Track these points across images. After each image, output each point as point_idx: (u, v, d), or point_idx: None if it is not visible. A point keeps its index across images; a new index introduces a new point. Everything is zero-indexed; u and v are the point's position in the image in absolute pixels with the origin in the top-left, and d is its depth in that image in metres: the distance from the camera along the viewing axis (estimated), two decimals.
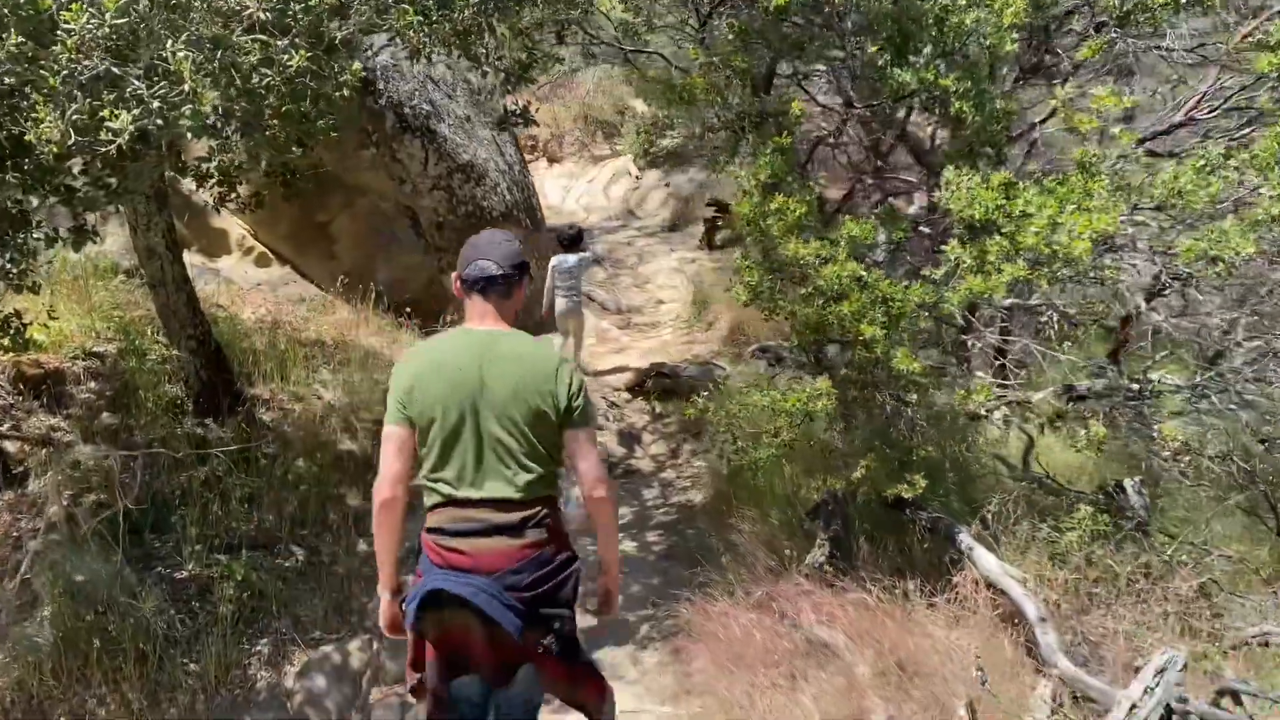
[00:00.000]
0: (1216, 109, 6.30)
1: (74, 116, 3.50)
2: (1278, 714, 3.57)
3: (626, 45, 7.14)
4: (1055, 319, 6.65)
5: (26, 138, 3.60)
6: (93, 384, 6.28)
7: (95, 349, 6.51)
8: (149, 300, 6.45)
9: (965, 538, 4.39)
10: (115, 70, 3.61)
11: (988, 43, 4.21)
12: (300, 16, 4.09)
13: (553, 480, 2.92)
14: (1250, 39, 6.23)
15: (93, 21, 3.45)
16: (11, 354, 5.66)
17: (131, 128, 3.48)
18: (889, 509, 4.81)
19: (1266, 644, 4.05)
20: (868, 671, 3.89)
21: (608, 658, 4.95)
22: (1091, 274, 4.29)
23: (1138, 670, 3.78)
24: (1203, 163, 4.18)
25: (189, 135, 3.78)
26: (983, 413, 5.25)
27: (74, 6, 3.43)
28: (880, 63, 4.38)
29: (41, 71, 3.55)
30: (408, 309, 9.09)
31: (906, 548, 4.67)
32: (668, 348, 9.80)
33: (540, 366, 2.85)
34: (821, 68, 6.12)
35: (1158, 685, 3.41)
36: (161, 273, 5.96)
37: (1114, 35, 4.60)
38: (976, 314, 4.80)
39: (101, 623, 4.82)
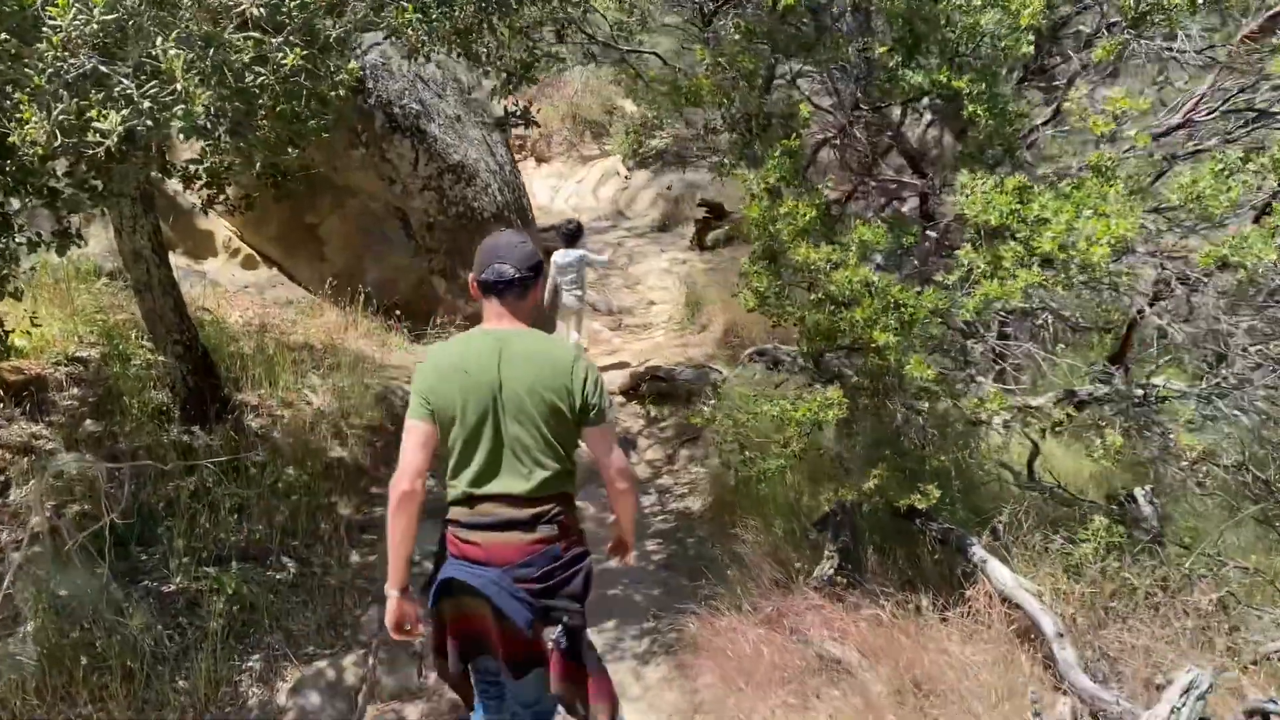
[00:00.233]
0: (1215, 111, 6.23)
1: (60, 117, 3.35)
2: None
3: (623, 45, 7.02)
4: (1051, 323, 6.59)
5: (10, 139, 3.45)
6: (76, 390, 6.12)
7: (78, 354, 6.35)
8: (133, 304, 6.30)
9: (978, 550, 4.29)
10: (103, 68, 3.46)
11: (1003, 44, 4.11)
12: (294, 13, 3.95)
13: (568, 477, 3.01)
14: (1251, 39, 6.16)
15: (80, 17, 3.30)
16: None
17: (120, 128, 3.34)
18: (897, 519, 4.70)
19: None
20: (883, 690, 3.79)
21: (609, 672, 4.83)
22: (1107, 279, 4.19)
23: (1159, 688, 3.70)
24: (1221, 166, 4.09)
25: (180, 136, 3.64)
26: (983, 418, 5.16)
27: (60, 2, 3.29)
28: (891, 64, 4.27)
29: (26, 69, 3.41)
30: (398, 311, 8.96)
31: (916, 560, 4.57)
32: (661, 350, 9.69)
33: (557, 365, 2.94)
34: (813, 69, 6.04)
35: (1184, 705, 3.31)
36: (147, 276, 5.80)
37: (1127, 36, 4.49)
38: (980, 318, 4.69)
39: (87, 638, 4.66)
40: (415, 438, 2.93)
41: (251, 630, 5.01)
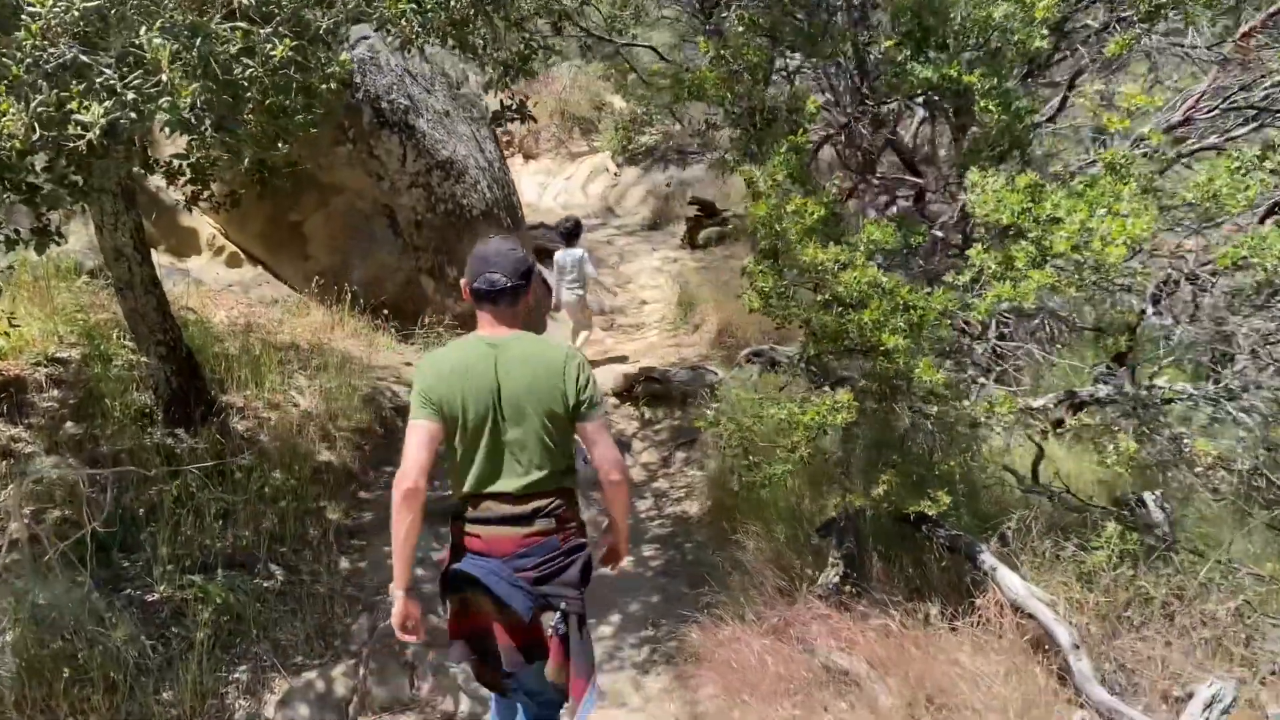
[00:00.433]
0: (1215, 109, 6.15)
1: (39, 109, 3.20)
2: None
3: (617, 39, 6.89)
4: (1048, 323, 6.49)
5: None
6: (55, 392, 5.95)
7: (58, 354, 6.19)
8: (115, 303, 6.13)
9: (988, 557, 4.17)
10: (84, 58, 3.32)
11: (1015, 38, 4.00)
12: (283, 3, 3.82)
13: (567, 472, 3.16)
14: (1253, 36, 6.08)
15: (60, 5, 3.16)
16: None
17: (102, 121, 3.20)
18: (902, 525, 4.59)
19: None
20: (894, 703, 3.67)
21: (607, 682, 4.71)
22: (1122, 280, 4.09)
23: (1178, 700, 3.60)
24: (1237, 164, 3.99)
25: (165, 130, 3.49)
26: (984, 420, 5.06)
27: None
28: (899, 58, 4.15)
29: (3, 59, 3.25)
30: (385, 311, 8.80)
31: (923, 567, 4.45)
32: (654, 350, 9.56)
33: (550, 366, 3.07)
34: (812, 65, 5.92)
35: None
36: (129, 275, 5.64)
37: (1139, 31, 4.39)
38: (989, 320, 4.59)
39: (68, 649, 4.49)
40: (419, 436, 3.01)
41: (238, 640, 4.85)
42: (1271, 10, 6.24)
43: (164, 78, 3.30)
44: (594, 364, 8.64)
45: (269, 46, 3.70)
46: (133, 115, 3.37)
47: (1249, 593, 4.10)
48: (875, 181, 5.37)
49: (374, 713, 4.67)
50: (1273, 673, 3.81)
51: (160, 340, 5.86)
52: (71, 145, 3.34)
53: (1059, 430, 5.54)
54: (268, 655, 4.80)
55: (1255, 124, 5.83)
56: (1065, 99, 5.61)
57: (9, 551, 4.86)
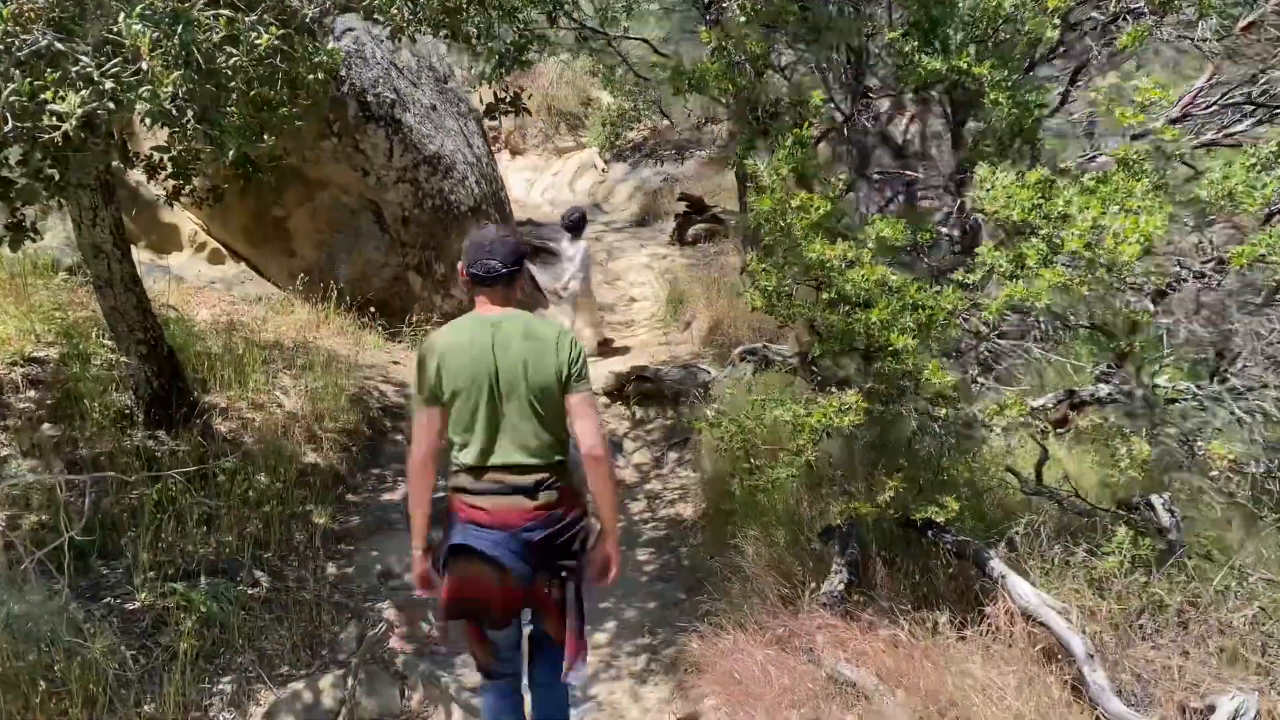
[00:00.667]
0: (1214, 104, 6.07)
1: (11, 99, 3.04)
2: None
3: (610, 31, 6.74)
4: (1043, 321, 6.39)
5: None
6: (32, 393, 5.78)
7: (35, 354, 6.01)
8: (94, 300, 5.96)
9: (997, 564, 4.05)
10: (60, 45, 3.16)
11: (1026, 28, 3.88)
12: None
13: (563, 445, 3.29)
14: (1253, 30, 6.00)
15: None
16: None
17: (79, 112, 3.04)
18: (907, 530, 4.47)
19: None
20: (904, 716, 3.55)
21: (604, 692, 4.58)
22: (1134, 279, 3.98)
23: (1196, 712, 3.50)
24: (1253, 161, 3.88)
25: (145, 122, 3.33)
26: (982, 419, 4.95)
27: None
28: (906, 49, 4.03)
29: None
30: (372, 308, 8.64)
31: (929, 573, 4.34)
32: (645, 348, 9.43)
33: (544, 342, 3.23)
34: (811, 56, 5.80)
35: None
36: (109, 272, 5.47)
37: (1150, 22, 4.28)
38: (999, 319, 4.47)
39: (45, 660, 4.33)
40: (424, 420, 3.26)
41: (222, 650, 4.68)
42: (1274, 3, 6.15)
43: (144, 66, 3.15)
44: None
45: (254, 35, 3.56)
46: (111, 106, 3.22)
47: (1263, 599, 3.99)
48: (875, 177, 5.24)
49: None
50: None
51: (141, 339, 5.70)
52: (47, 137, 3.17)
53: (1059, 431, 5.44)
54: (253, 666, 4.64)
55: (1254, 119, 5.76)
56: (1066, 93, 5.52)
57: None
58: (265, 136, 4.10)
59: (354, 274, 8.82)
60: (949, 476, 4.16)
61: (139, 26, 3.15)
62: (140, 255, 7.72)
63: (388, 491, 6.48)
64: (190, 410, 5.91)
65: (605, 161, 15.95)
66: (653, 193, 14.59)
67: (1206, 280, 4.98)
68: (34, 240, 4.62)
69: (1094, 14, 5.07)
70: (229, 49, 3.54)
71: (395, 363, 8.29)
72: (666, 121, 14.00)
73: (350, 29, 8.17)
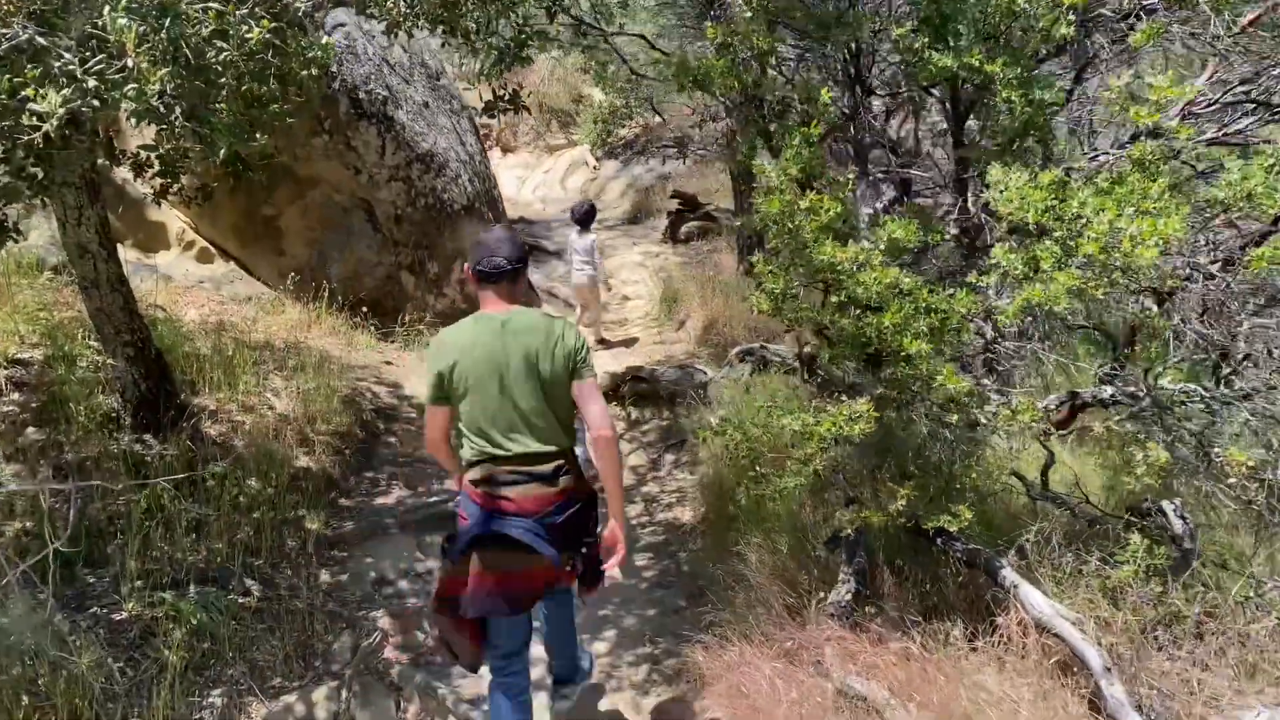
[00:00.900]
0: (1215, 102, 5.99)
1: None
2: None
3: (606, 27, 6.62)
4: (1042, 321, 6.29)
5: None
6: (16, 395, 5.63)
7: (19, 355, 5.87)
8: (79, 300, 5.81)
9: (1009, 573, 3.95)
10: (41, 40, 3.03)
11: (1040, 25, 3.78)
12: None
13: (571, 432, 3.53)
14: (1257, 24, 5.91)
15: None
16: None
17: (62, 110, 2.91)
18: (916, 538, 4.36)
19: None
20: None
21: (605, 703, 4.47)
22: (1153, 281, 3.88)
23: None
24: (1272, 162, 3.79)
25: (132, 120, 3.20)
26: (984, 422, 4.85)
27: None
28: (916, 45, 3.92)
29: None
30: (364, 308, 8.51)
31: (939, 582, 4.23)
32: (641, 347, 9.32)
33: (549, 335, 3.41)
34: (806, 54, 5.70)
35: None
36: (95, 272, 5.33)
37: (1165, 19, 4.18)
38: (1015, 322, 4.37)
39: (28, 675, 4.20)
40: (437, 417, 3.50)
41: (212, 662, 4.55)
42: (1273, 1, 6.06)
43: (130, 62, 3.02)
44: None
45: (245, 29, 3.43)
46: (96, 104, 3.08)
47: None
48: (880, 175, 5.14)
49: None
50: None
51: (128, 341, 5.56)
52: (28, 136, 3.04)
53: (1062, 433, 5.35)
54: (244, 678, 4.51)
55: (1255, 118, 5.67)
56: (1071, 91, 5.42)
57: None
58: (257, 135, 3.97)
59: (346, 273, 8.69)
60: (961, 485, 4.05)
61: (124, 20, 3.02)
62: (127, 254, 7.59)
63: (381, 495, 6.35)
64: (179, 413, 5.78)
65: (597, 159, 15.84)
66: (645, 190, 14.49)
67: (1215, 280, 4.91)
68: (16, 240, 4.48)
69: (1103, 10, 4.99)
70: (219, 43, 3.41)
71: (388, 363, 8.16)
72: (658, 119, 13.87)
73: (341, 24, 8.03)
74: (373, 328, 8.54)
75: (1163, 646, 3.81)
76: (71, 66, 3.06)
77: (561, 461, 3.44)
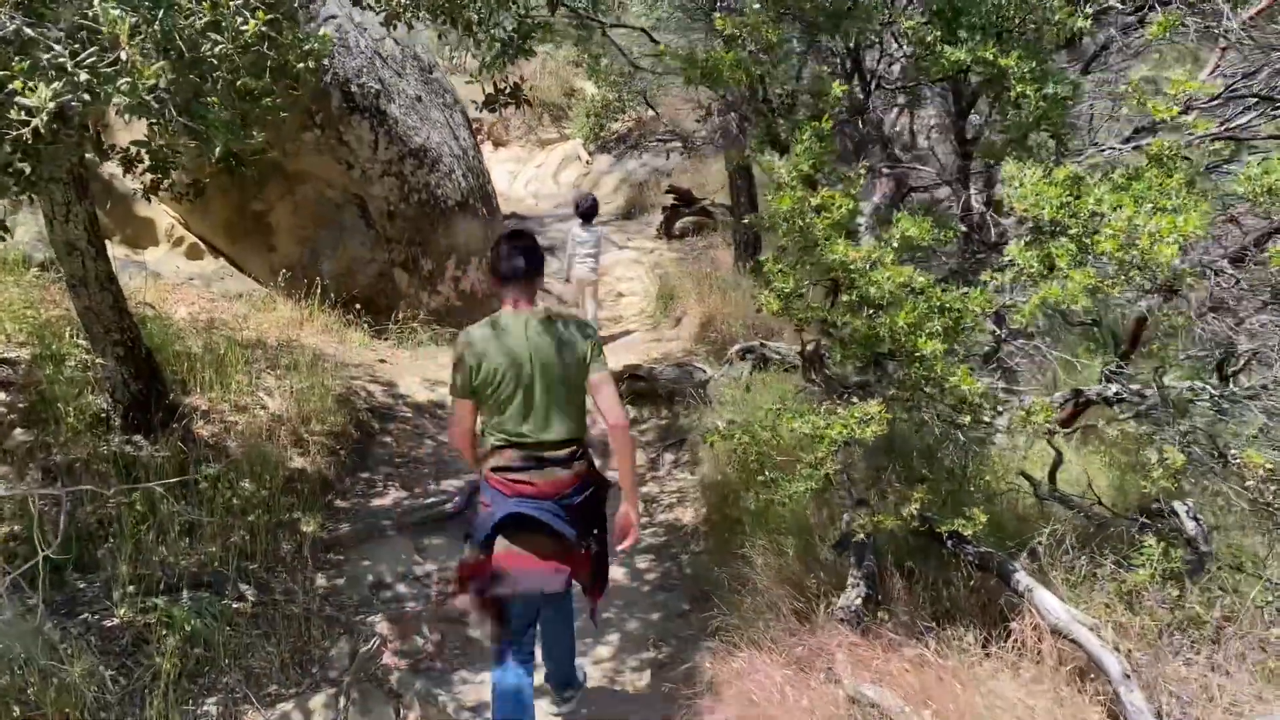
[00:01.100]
0: (1216, 97, 5.92)
1: None
2: None
3: (605, 20, 6.51)
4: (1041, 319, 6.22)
5: None
6: (3, 395, 5.52)
7: (6, 355, 5.75)
8: (68, 298, 5.69)
9: (1023, 577, 3.87)
10: (29, 31, 2.91)
11: (1055, 18, 3.69)
12: None
13: (584, 420, 3.78)
14: (1264, 14, 5.84)
15: None
16: None
17: (51, 105, 2.80)
18: (926, 541, 4.28)
19: None
20: None
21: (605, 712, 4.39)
22: (1170, 280, 3.81)
23: None
24: None
25: (125, 116, 3.09)
26: (987, 419, 4.78)
27: None
28: (929, 39, 3.83)
29: None
30: (357, 305, 8.39)
31: (951, 586, 4.15)
32: (636, 345, 9.23)
33: (568, 330, 3.67)
34: (812, 48, 5.61)
35: None
36: (83, 270, 5.22)
37: (1180, 12, 4.10)
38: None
39: (18, 684, 4.09)
40: (462, 411, 3.74)
41: (206, 669, 4.44)
42: None
43: (122, 55, 2.91)
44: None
45: (240, 20, 3.31)
46: (86, 98, 2.97)
47: None
48: (884, 170, 5.05)
49: None
50: None
51: (117, 339, 5.45)
52: (16, 132, 2.93)
53: (1067, 432, 5.29)
54: (239, 685, 4.41)
55: (1257, 112, 5.61)
56: (1077, 85, 5.35)
57: None
58: (253, 131, 3.86)
59: (338, 270, 8.57)
60: (975, 487, 3.97)
61: (116, 11, 2.91)
62: (115, 250, 7.47)
63: (378, 497, 6.25)
64: (170, 413, 5.66)
65: (589, 153, 15.72)
66: (639, 185, 14.39)
67: (1224, 276, 4.84)
68: (3, 238, 4.36)
69: (1113, 2, 4.91)
70: (213, 35, 3.30)
71: (382, 361, 8.05)
72: (651, 112, 13.77)
73: (332, 16, 7.90)
74: (366, 325, 8.43)
75: (1180, 651, 3.74)
76: (61, 59, 2.94)
77: (576, 448, 3.70)
